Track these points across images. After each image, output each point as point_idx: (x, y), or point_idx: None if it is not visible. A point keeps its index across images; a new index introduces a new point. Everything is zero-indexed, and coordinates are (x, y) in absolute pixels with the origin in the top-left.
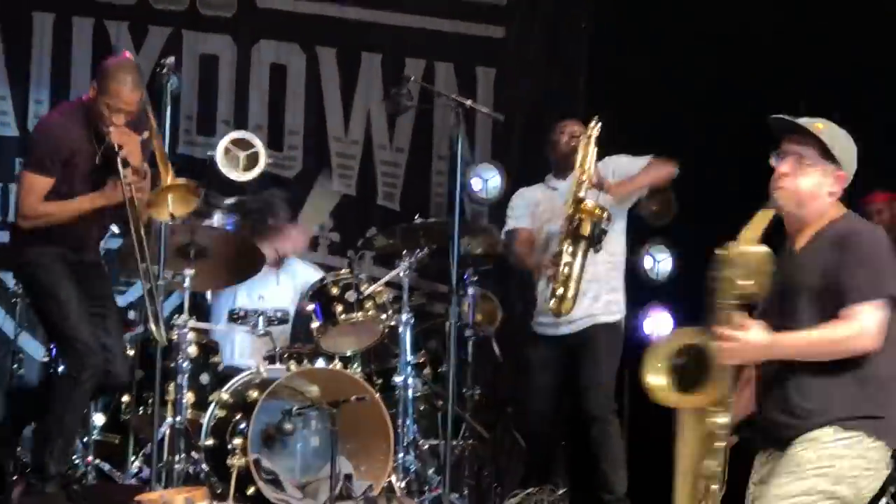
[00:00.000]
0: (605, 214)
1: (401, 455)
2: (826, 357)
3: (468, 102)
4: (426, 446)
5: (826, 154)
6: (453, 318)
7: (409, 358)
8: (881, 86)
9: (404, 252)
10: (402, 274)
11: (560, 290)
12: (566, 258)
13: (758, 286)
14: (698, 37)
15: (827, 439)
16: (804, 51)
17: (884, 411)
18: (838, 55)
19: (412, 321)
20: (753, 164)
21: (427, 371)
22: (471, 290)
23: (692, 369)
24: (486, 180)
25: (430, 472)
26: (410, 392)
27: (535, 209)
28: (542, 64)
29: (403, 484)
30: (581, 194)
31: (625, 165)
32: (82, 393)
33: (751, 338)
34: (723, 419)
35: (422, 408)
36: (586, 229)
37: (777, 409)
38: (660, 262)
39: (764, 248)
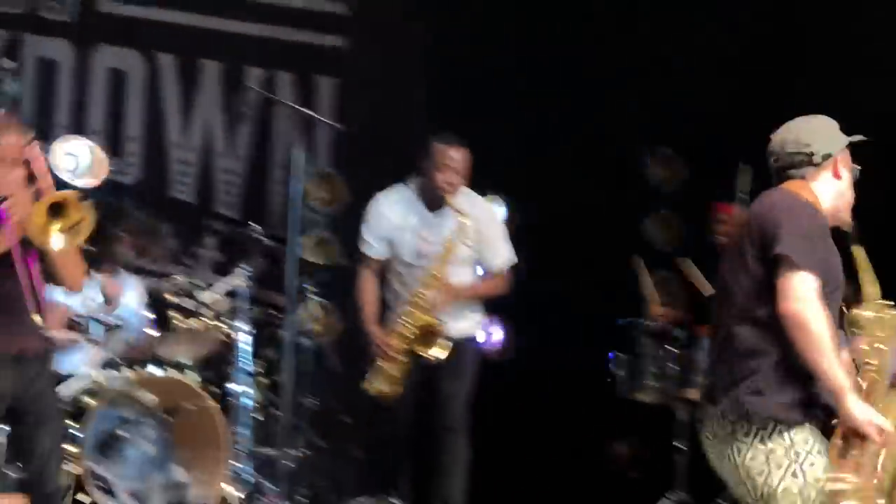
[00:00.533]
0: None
1: (236, 464)
2: None
3: (307, 111)
4: (262, 455)
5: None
6: (291, 327)
7: (246, 367)
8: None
9: (242, 261)
10: (239, 282)
11: (382, 371)
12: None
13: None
14: (535, 48)
15: None
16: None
17: None
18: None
19: (249, 329)
20: (603, 175)
21: (264, 380)
22: (309, 300)
23: None
24: None
25: (266, 481)
26: (247, 401)
27: (395, 233)
28: (382, 74)
29: (240, 493)
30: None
31: (489, 243)
32: None
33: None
34: None
35: (258, 416)
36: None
37: None
38: None
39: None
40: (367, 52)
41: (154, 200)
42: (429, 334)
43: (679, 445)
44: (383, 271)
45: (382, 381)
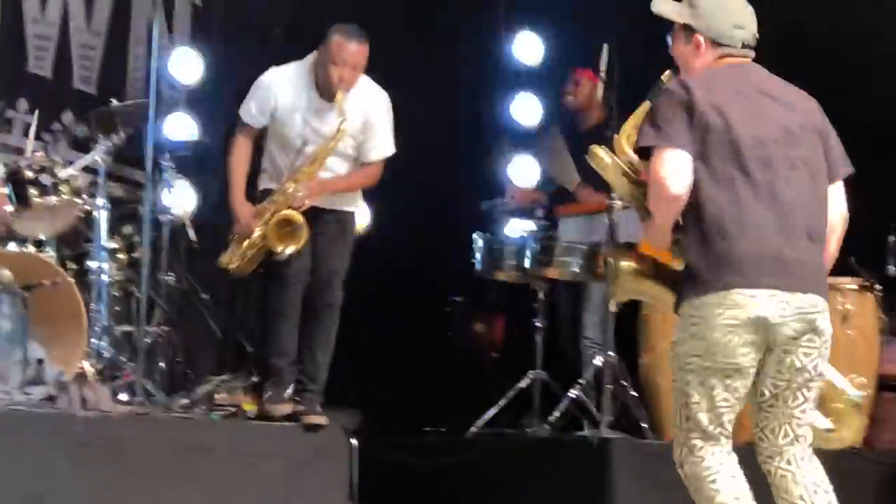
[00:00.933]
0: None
1: (94, 340)
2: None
3: None
4: (119, 332)
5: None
6: (148, 203)
7: (104, 243)
8: None
9: (100, 136)
10: (97, 158)
11: (237, 250)
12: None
13: None
14: None
15: None
16: None
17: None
18: None
19: (107, 206)
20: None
21: (122, 256)
22: (167, 176)
23: None
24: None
25: (124, 357)
26: (104, 277)
27: (283, 112)
28: None
29: (97, 370)
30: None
31: (372, 135)
32: None
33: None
34: None
35: (116, 293)
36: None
37: None
38: None
39: None
40: None
41: (11, 76)
42: (285, 228)
43: (538, 324)
44: (258, 142)
45: (236, 259)
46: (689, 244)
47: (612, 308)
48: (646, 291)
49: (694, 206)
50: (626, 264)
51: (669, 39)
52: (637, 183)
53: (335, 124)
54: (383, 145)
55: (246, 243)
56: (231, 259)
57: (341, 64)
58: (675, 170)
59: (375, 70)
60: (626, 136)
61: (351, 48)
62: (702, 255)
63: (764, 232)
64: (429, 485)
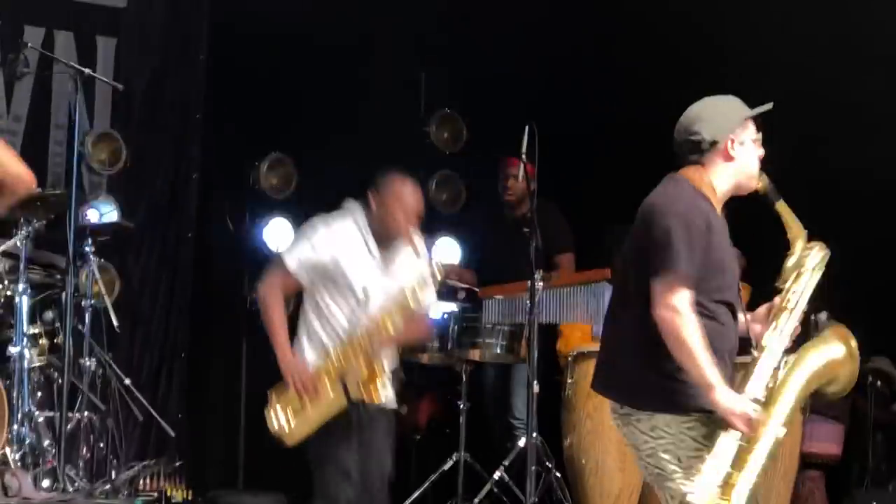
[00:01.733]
0: None
1: (15, 427)
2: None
3: (87, 71)
4: (41, 418)
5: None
6: (70, 288)
7: (25, 328)
8: None
9: (21, 221)
10: (18, 244)
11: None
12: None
13: None
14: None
15: None
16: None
17: None
18: None
19: (28, 291)
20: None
21: (43, 342)
22: (89, 261)
23: None
24: (102, 214)
25: (46, 443)
26: (26, 363)
27: (341, 262)
28: (163, 35)
29: (18, 456)
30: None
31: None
32: None
33: None
34: None
35: (37, 379)
36: None
37: None
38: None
39: None
40: (147, 12)
41: None
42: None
43: (462, 406)
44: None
45: (298, 420)
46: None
47: (536, 389)
48: None
49: None
50: None
51: None
52: None
53: (398, 273)
54: (432, 295)
55: (310, 403)
56: (288, 426)
57: (407, 208)
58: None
59: None
60: None
61: (413, 189)
62: None
63: None
64: None
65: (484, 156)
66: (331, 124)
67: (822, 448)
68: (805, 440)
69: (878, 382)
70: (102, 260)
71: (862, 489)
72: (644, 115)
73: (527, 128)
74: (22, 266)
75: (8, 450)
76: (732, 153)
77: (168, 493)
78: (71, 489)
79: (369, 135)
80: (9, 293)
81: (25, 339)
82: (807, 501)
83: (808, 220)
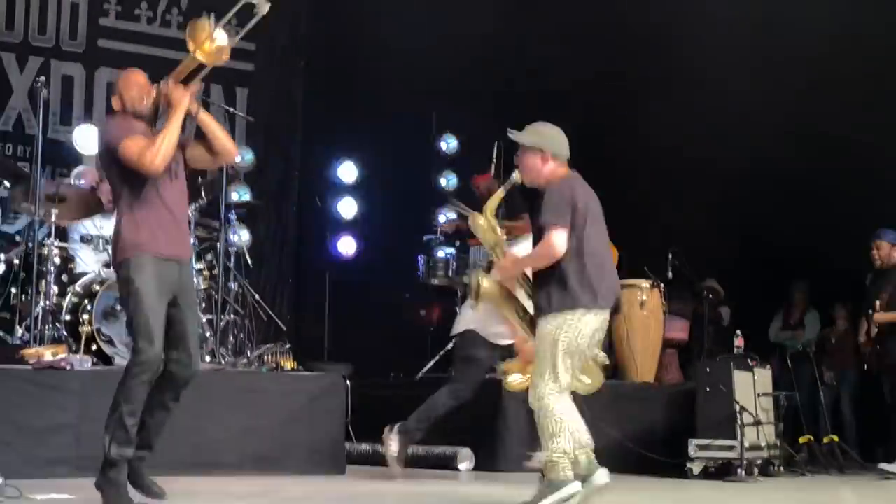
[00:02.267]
0: None
1: None
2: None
3: (231, 109)
4: (205, 319)
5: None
6: (222, 241)
7: (195, 265)
8: None
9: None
10: (190, 213)
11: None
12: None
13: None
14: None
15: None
16: None
17: (574, 300)
18: None
19: (195, 243)
20: None
21: (206, 273)
22: (233, 223)
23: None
24: (241, 195)
25: (208, 335)
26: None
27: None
28: (274, 85)
29: None
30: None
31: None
32: None
33: (506, 261)
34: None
35: (202, 296)
36: None
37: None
38: None
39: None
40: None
41: None
42: None
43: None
44: None
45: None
46: (567, 276)
47: None
48: (494, 299)
49: (577, 254)
50: (486, 280)
51: (517, 157)
52: (496, 236)
53: None
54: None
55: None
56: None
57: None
58: (563, 242)
59: None
60: (490, 210)
61: None
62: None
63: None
64: (394, 409)
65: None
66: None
67: (675, 335)
68: (665, 331)
69: (710, 295)
70: (240, 223)
71: (700, 361)
72: None
73: (496, 143)
74: (192, 226)
75: None
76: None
77: (282, 365)
78: (222, 363)
79: None
80: None
81: (195, 272)
82: (667, 368)
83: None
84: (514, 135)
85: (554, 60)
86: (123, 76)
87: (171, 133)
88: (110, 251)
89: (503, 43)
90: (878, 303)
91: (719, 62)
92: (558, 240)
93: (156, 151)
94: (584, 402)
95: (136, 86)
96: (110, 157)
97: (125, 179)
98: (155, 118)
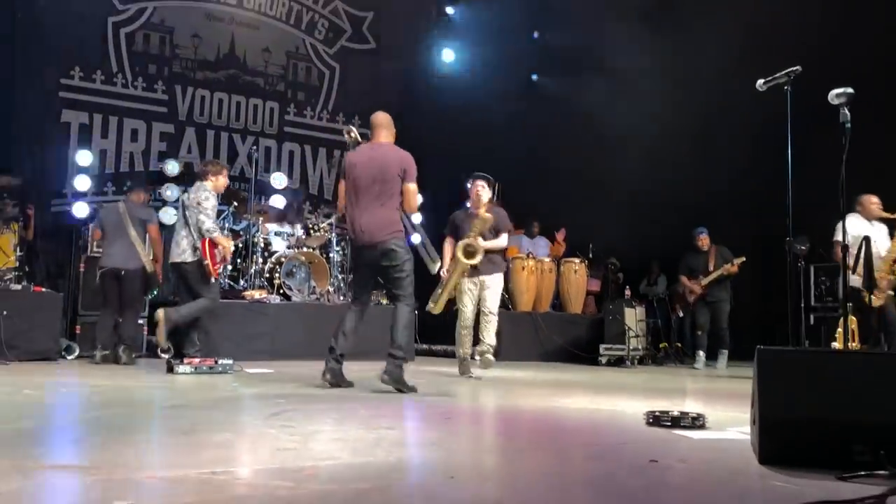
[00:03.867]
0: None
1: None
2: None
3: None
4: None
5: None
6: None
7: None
8: None
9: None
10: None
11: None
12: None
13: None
14: None
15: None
16: None
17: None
18: None
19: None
20: None
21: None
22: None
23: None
24: None
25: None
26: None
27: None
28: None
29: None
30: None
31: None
32: None
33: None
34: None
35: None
36: None
37: None
38: None
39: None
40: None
41: None
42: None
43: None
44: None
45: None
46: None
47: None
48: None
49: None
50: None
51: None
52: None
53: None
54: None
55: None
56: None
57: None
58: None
59: None
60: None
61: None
62: None
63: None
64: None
65: None
66: None
67: (593, 288)
68: (588, 285)
69: (612, 266)
70: None
71: (606, 302)
72: None
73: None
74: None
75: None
76: None
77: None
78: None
79: None
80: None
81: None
82: (588, 306)
83: None
84: None
85: None
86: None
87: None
88: (380, 231)
89: None
90: (702, 277)
91: None
92: None
93: (416, 208)
94: (541, 321)
95: None
96: (397, 173)
97: (397, 194)
98: None
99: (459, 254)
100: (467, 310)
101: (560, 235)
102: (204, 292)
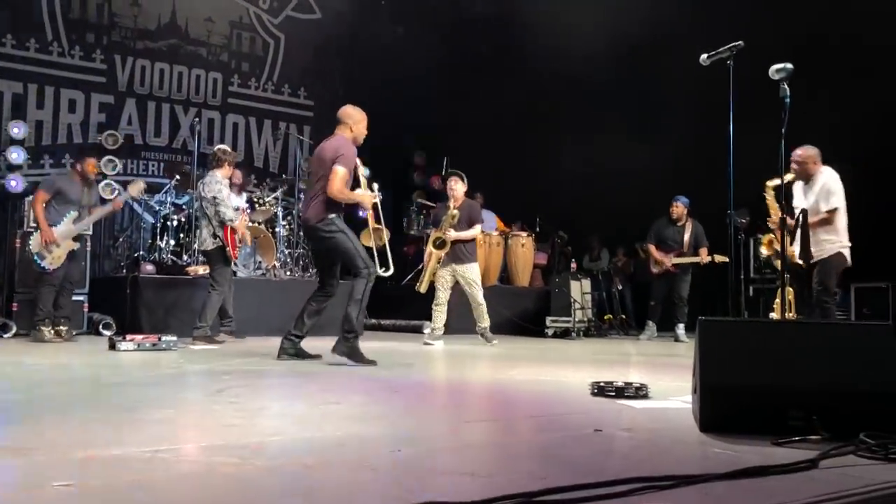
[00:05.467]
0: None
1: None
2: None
3: (302, 137)
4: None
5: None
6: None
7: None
8: None
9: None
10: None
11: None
12: None
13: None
14: None
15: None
16: None
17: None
18: None
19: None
20: None
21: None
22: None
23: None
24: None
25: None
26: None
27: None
28: (327, 125)
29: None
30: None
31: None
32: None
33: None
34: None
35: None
36: None
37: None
38: None
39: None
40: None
41: None
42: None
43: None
44: None
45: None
46: None
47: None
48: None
49: None
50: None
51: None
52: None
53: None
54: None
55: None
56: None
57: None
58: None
59: None
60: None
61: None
62: None
63: None
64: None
65: None
66: None
67: (540, 261)
68: (535, 259)
69: (558, 240)
70: None
71: (553, 275)
72: None
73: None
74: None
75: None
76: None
77: None
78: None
79: None
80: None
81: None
82: (535, 278)
83: None
84: None
85: None
86: (360, 114)
87: (352, 197)
88: (305, 214)
89: None
90: (676, 250)
91: None
92: None
93: (341, 193)
94: (490, 295)
95: (364, 127)
96: (330, 162)
97: (323, 179)
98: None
99: (431, 245)
100: (440, 292)
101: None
102: (217, 276)
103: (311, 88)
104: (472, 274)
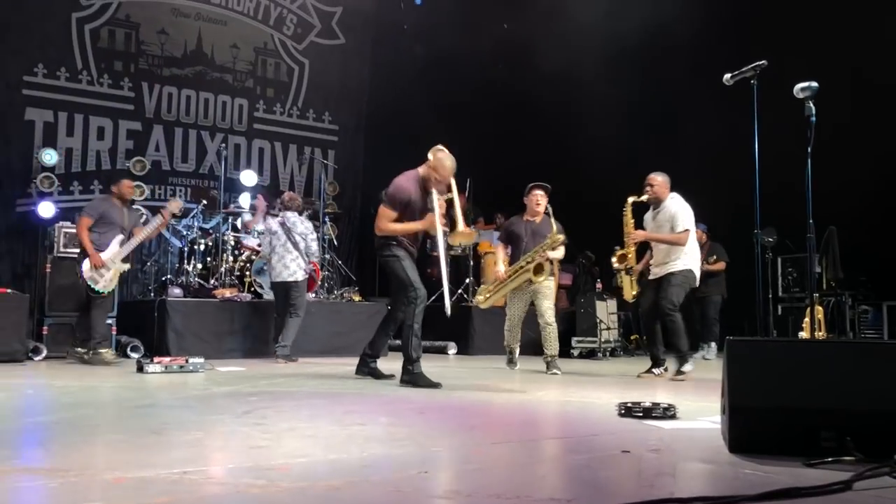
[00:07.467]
0: None
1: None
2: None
3: (325, 161)
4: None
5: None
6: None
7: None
8: None
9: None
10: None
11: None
12: None
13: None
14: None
15: None
16: None
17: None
18: None
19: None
20: None
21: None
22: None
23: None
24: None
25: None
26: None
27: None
28: (350, 150)
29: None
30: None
31: None
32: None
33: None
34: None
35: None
36: None
37: None
38: None
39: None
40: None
41: None
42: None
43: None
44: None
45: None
46: None
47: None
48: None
49: None
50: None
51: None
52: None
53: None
54: None
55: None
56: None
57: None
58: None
59: None
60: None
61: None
62: None
63: None
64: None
65: None
66: None
67: (565, 282)
68: (560, 279)
69: (584, 261)
70: (332, 223)
71: (578, 295)
72: None
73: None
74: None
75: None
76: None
77: (353, 298)
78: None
79: None
80: None
81: None
82: (560, 299)
83: None
84: None
85: None
86: (444, 158)
87: (397, 230)
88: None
89: None
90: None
91: None
92: None
93: (381, 230)
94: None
95: (445, 172)
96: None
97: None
98: (425, 198)
99: (530, 273)
100: (513, 312)
101: None
102: (299, 303)
103: (335, 113)
104: (548, 288)
